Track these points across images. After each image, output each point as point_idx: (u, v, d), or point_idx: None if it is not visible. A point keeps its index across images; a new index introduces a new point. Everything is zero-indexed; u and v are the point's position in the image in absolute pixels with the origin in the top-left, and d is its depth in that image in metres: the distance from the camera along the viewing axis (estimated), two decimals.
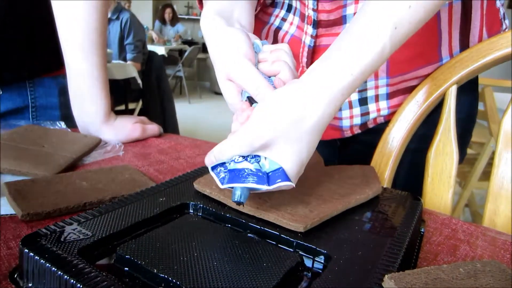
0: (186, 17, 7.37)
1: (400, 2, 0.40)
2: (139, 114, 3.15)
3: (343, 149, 0.74)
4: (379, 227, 0.40)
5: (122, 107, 2.97)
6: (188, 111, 5.09)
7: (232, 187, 0.37)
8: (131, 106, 3.09)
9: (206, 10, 0.52)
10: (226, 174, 0.37)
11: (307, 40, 0.64)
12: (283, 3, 0.70)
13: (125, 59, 3.16)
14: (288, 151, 0.37)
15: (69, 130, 0.72)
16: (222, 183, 0.37)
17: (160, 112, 3.23)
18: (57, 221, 0.34)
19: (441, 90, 0.61)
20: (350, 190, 0.45)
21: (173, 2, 7.41)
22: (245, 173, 0.36)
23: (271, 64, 0.45)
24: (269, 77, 0.44)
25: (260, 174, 0.36)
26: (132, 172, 0.53)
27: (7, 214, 0.40)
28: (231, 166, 0.37)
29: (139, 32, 3.32)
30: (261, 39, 0.50)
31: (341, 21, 0.62)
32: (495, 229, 0.48)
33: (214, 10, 0.51)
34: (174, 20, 6.29)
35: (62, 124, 0.74)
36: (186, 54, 5.74)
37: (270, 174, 0.37)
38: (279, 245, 0.36)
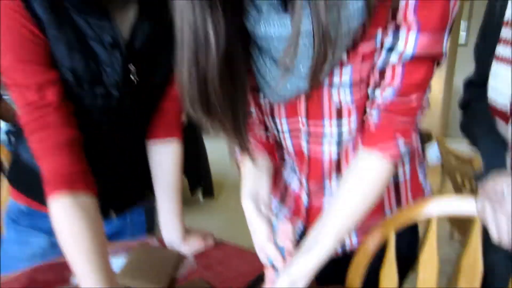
0: None
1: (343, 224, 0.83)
2: None
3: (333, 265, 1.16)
4: None
5: None
6: (218, 147, 5.52)
7: None
8: None
9: (244, 192, 0.94)
10: None
11: (302, 208, 1.07)
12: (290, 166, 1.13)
13: None
14: None
15: (161, 245, 1.17)
16: None
17: (196, 163, 3.69)
18: None
19: (385, 236, 1.03)
20: None
21: None
22: None
23: (283, 241, 0.88)
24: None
25: None
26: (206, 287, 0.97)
27: None
28: None
29: None
30: (280, 192, 0.93)
31: (323, 192, 1.04)
32: None
33: (248, 190, 0.93)
34: None
35: (155, 241, 1.19)
36: None
37: None
38: None
